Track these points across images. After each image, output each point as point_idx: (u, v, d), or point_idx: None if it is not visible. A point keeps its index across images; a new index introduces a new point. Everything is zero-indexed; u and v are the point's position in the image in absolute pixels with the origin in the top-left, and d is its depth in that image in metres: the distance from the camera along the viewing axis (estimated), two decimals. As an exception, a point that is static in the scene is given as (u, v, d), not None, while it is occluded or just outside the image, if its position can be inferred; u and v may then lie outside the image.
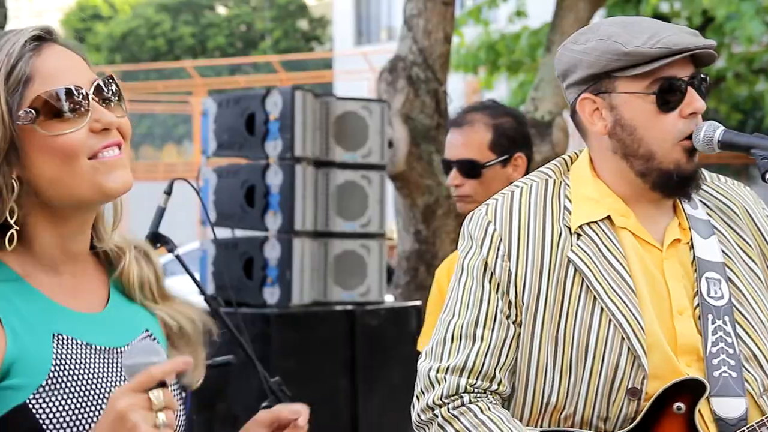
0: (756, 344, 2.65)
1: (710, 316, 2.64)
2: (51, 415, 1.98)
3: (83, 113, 2.06)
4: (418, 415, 2.65)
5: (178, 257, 6.02)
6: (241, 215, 6.35)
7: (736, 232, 2.76)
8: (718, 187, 2.82)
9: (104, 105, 2.09)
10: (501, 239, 2.65)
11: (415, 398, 2.67)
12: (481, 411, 2.56)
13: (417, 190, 7.72)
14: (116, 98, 2.13)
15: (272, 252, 6.21)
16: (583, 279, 2.60)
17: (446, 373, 2.61)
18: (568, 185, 2.72)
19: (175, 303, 2.28)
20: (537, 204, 2.69)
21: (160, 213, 4.40)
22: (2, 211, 2.03)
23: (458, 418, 2.57)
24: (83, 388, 2.03)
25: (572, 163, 2.80)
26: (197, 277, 4.99)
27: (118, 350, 2.12)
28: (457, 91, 11.86)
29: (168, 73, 34.28)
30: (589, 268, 2.60)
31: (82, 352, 2.07)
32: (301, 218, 6.24)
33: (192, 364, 1.96)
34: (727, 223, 2.77)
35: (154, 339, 2.19)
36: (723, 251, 2.72)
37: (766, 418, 2.58)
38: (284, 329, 6.10)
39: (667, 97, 2.63)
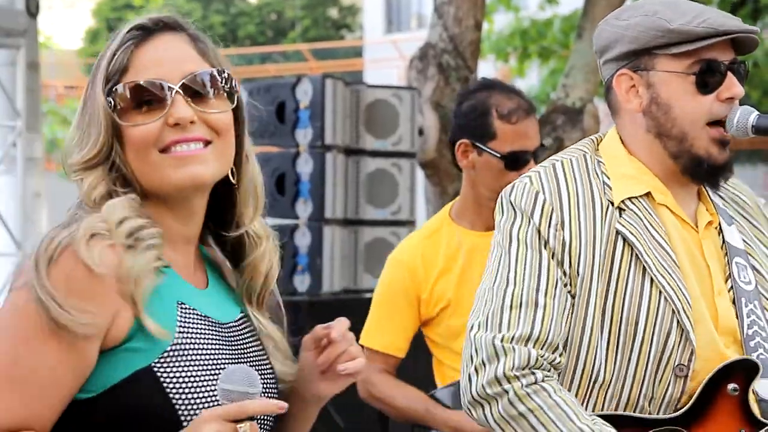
0: None
1: (743, 299, 2.64)
2: (174, 379, 2.03)
3: (162, 107, 2.11)
4: (483, 388, 2.49)
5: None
6: (272, 203, 6.29)
7: (751, 223, 2.79)
8: (732, 182, 2.82)
9: (195, 99, 2.13)
10: (552, 208, 2.59)
11: (472, 370, 2.52)
12: (555, 392, 2.47)
13: (447, 177, 7.70)
14: (215, 92, 2.18)
15: (303, 240, 6.22)
16: (632, 251, 2.57)
17: (514, 342, 2.49)
18: (602, 162, 2.70)
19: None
20: (582, 176, 2.65)
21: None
22: (116, 183, 2.12)
23: (531, 397, 2.46)
24: (203, 356, 2.08)
25: (599, 143, 2.78)
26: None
27: (224, 326, 2.18)
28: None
29: (199, 62, 34.19)
30: (638, 240, 2.57)
31: (201, 323, 2.13)
32: (332, 206, 6.25)
33: (286, 409, 2.00)
34: (741, 214, 2.79)
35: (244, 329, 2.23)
36: (743, 239, 2.72)
37: None
38: (315, 317, 6.09)
39: (707, 78, 2.62)
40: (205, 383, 2.04)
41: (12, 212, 7.92)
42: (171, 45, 2.17)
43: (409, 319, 3.99)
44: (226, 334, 2.18)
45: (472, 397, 2.52)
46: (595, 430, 2.45)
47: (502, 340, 2.50)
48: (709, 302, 2.62)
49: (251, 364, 2.13)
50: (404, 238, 6.64)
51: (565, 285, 2.56)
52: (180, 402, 2.02)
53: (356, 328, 6.85)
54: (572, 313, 2.55)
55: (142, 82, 2.10)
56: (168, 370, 2.03)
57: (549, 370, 2.50)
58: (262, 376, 2.17)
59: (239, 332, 2.23)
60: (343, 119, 6.35)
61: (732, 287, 2.65)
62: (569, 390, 2.57)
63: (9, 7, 6.79)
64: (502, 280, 2.58)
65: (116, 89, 2.10)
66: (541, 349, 2.50)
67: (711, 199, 2.74)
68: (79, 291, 1.96)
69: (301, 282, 6.20)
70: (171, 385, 2.02)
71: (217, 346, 2.12)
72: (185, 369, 2.04)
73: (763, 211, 2.84)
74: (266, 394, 2.17)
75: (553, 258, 2.56)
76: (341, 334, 2.24)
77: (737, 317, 2.62)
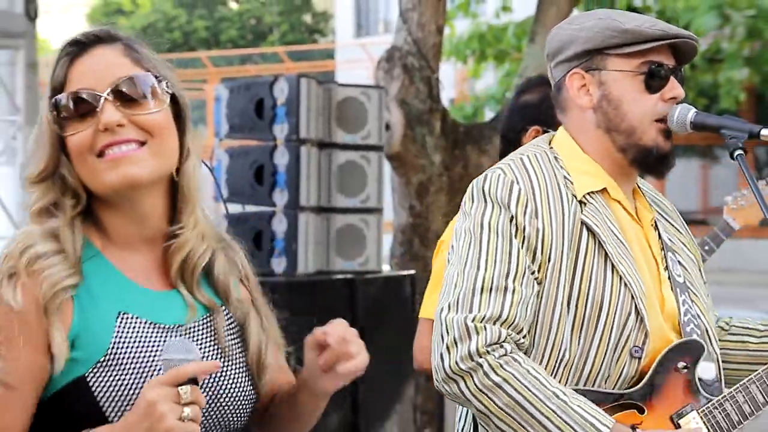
0: (706, 319, 2.69)
1: (678, 290, 2.66)
2: (106, 390, 1.98)
3: (93, 114, 2.07)
4: (457, 364, 2.44)
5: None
6: (251, 192, 6.33)
7: (671, 224, 2.80)
8: (648, 187, 2.85)
9: (127, 104, 2.09)
10: (527, 198, 2.55)
11: (444, 349, 2.47)
12: (525, 361, 2.44)
13: (411, 169, 7.70)
14: (150, 95, 2.12)
15: (279, 226, 6.20)
16: (596, 241, 2.55)
17: (485, 322, 2.44)
18: (560, 158, 2.67)
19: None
20: (547, 169, 2.63)
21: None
22: (63, 193, 2.09)
23: (504, 367, 2.41)
24: (140, 364, 2.02)
25: (551, 141, 2.76)
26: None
27: (174, 329, 2.11)
28: (447, 79, 11.84)
29: (184, 63, 34.20)
30: (600, 230, 2.56)
31: (144, 331, 2.06)
32: (306, 195, 6.23)
33: (219, 367, 1.98)
34: (662, 216, 2.80)
35: (194, 335, 2.16)
36: (668, 237, 2.75)
37: (748, 380, 2.61)
38: (290, 296, 6.09)
39: (654, 79, 2.63)
40: (140, 390, 1.96)
41: (12, 199, 7.90)
42: (103, 56, 2.13)
43: None
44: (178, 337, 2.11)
45: (446, 374, 2.47)
46: (566, 391, 2.44)
47: (473, 320, 2.46)
48: (657, 291, 2.63)
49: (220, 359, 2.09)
50: (371, 224, 6.68)
51: (533, 273, 2.52)
52: (111, 409, 1.99)
53: (328, 305, 6.85)
54: (540, 297, 2.52)
55: (73, 92, 2.08)
56: (100, 379, 1.99)
57: (518, 349, 2.48)
58: (231, 374, 2.14)
59: (192, 335, 2.14)
60: (316, 115, 6.33)
61: (669, 278, 2.67)
62: None
63: (9, 11, 6.75)
64: (473, 265, 2.53)
65: (57, 101, 2.08)
66: (509, 329, 2.46)
67: (645, 197, 2.77)
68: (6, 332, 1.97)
69: (278, 264, 6.18)
70: (102, 394, 1.98)
71: (160, 353, 2.03)
72: (118, 378, 2.00)
73: (677, 214, 2.87)
74: (234, 390, 2.14)
75: (523, 246, 2.52)
76: (338, 338, 2.15)
77: (677, 305, 2.64)
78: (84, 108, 2.07)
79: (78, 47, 2.13)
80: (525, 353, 2.50)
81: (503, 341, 2.44)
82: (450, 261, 2.63)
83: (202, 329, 2.17)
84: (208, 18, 42.47)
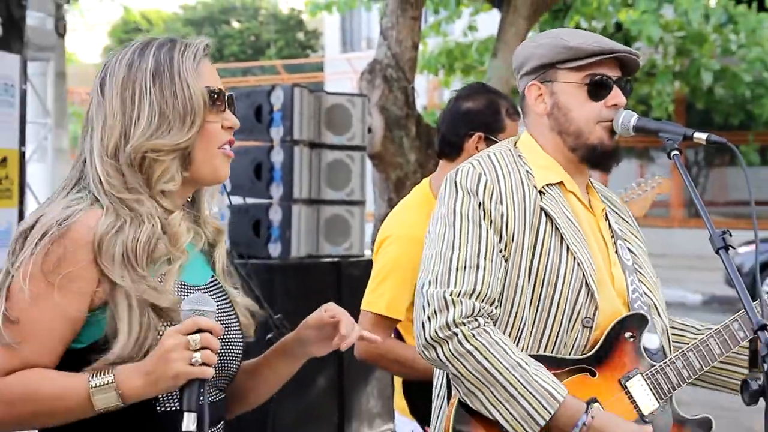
0: (654, 297, 2.69)
1: (626, 271, 2.66)
2: None
3: (221, 111, 2.10)
4: (436, 332, 2.45)
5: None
6: (251, 186, 6.31)
7: (621, 217, 2.81)
8: (602, 187, 2.87)
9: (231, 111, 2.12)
10: (493, 187, 2.55)
11: (425, 318, 2.48)
12: (494, 333, 2.44)
13: (390, 166, 7.71)
14: (234, 109, 2.17)
15: (275, 215, 6.18)
16: (553, 225, 2.56)
17: (461, 296, 2.45)
18: (523, 156, 2.69)
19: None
20: (510, 164, 2.64)
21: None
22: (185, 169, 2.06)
23: (476, 337, 2.42)
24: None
25: (516, 143, 2.77)
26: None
27: (197, 288, 2.10)
28: (421, 88, 11.84)
29: (193, 74, 34.01)
30: (557, 216, 2.57)
31: (176, 288, 2.03)
32: (299, 188, 6.21)
33: (223, 332, 1.94)
34: (612, 209, 2.80)
35: (214, 289, 2.16)
36: (619, 227, 2.75)
37: (686, 348, 2.61)
38: (285, 277, 6.08)
39: (597, 88, 2.63)
40: None
41: (43, 193, 7.85)
42: (212, 65, 2.17)
43: (412, 286, 3.80)
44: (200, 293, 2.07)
45: (426, 341, 2.48)
46: (528, 361, 2.44)
47: (451, 294, 2.46)
48: (607, 270, 2.63)
49: (220, 319, 2.04)
50: (356, 214, 6.66)
51: (500, 251, 2.52)
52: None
53: (318, 284, 6.83)
54: (506, 273, 2.52)
55: (217, 89, 2.09)
56: None
57: (488, 319, 2.48)
58: (230, 330, 2.13)
59: (210, 293, 2.13)
60: (308, 120, 6.31)
61: (619, 260, 2.67)
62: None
63: (41, 27, 6.70)
64: (448, 246, 2.53)
65: (211, 90, 2.09)
66: (482, 302, 2.47)
67: (597, 191, 2.77)
68: None
69: (274, 249, 6.17)
70: None
71: None
72: None
73: (627, 210, 2.88)
74: (231, 344, 2.13)
75: (491, 228, 2.52)
76: (349, 327, 2.21)
77: (626, 284, 2.64)
78: (218, 104, 2.09)
79: (207, 51, 2.14)
80: (495, 322, 2.51)
81: (477, 314, 2.45)
82: (426, 244, 2.62)
83: (214, 289, 2.17)
84: (214, 35, 42.29)
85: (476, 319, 2.45)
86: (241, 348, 2.18)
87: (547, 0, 8.66)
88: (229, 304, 2.19)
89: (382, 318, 3.39)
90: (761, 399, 2.12)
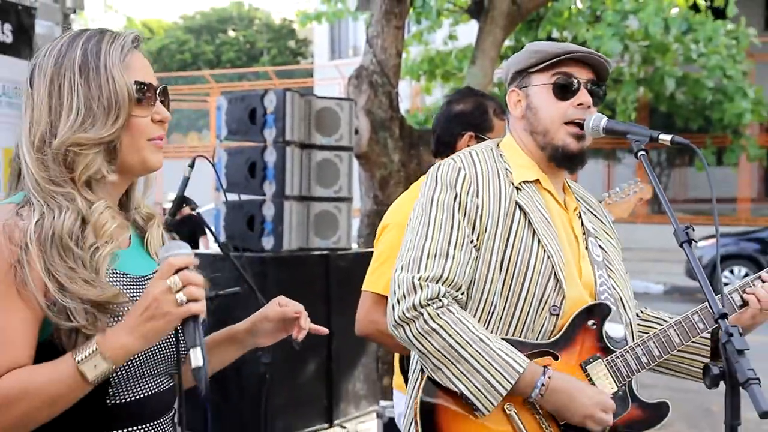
0: (622, 291, 2.68)
1: (595, 265, 2.65)
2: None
3: (151, 105, 1.96)
4: (404, 313, 2.47)
5: (198, 214, 5.95)
6: (245, 184, 6.28)
7: (596, 216, 2.81)
8: (579, 187, 2.88)
9: (163, 105, 2.00)
10: (471, 182, 2.57)
11: (395, 300, 2.50)
12: (457, 312, 2.45)
13: (375, 165, 7.70)
14: (168, 102, 2.03)
15: (268, 211, 6.16)
16: (526, 219, 2.56)
17: (428, 281, 2.46)
18: (504, 155, 2.70)
19: None
20: (490, 161, 2.65)
21: (185, 182, 4.36)
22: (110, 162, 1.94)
23: (440, 316, 2.43)
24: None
25: (500, 144, 2.78)
26: (213, 229, 4.96)
27: (141, 279, 1.99)
28: (404, 93, 11.82)
29: (192, 80, 34.02)
30: (531, 211, 2.57)
31: (120, 280, 1.93)
32: (290, 186, 6.19)
33: (195, 262, 1.85)
34: (588, 209, 2.81)
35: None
36: (592, 226, 2.75)
37: (647, 337, 2.60)
38: (277, 268, 6.05)
39: (562, 88, 2.64)
40: None
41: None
42: (144, 58, 2.02)
43: None
44: (142, 286, 1.97)
45: (395, 321, 2.49)
46: (490, 337, 2.45)
47: (419, 279, 2.47)
48: (576, 263, 2.62)
49: None
50: (343, 210, 6.65)
51: (472, 241, 2.52)
52: None
53: (308, 275, 6.80)
54: (477, 261, 2.52)
55: (145, 82, 1.95)
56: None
57: (452, 300, 2.48)
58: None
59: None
60: (299, 122, 6.29)
61: (588, 256, 2.66)
62: (473, 317, 2.54)
63: (49, 36, 6.66)
64: (422, 234, 2.54)
65: (139, 84, 1.94)
66: (448, 287, 2.47)
67: (572, 191, 2.78)
68: None
69: (267, 242, 6.14)
70: None
71: (133, 297, 1.91)
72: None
73: (603, 211, 2.87)
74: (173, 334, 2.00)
75: (465, 219, 2.53)
76: (307, 321, 2.21)
77: (593, 277, 2.63)
78: (148, 98, 1.96)
79: (137, 43, 2.00)
80: (464, 307, 2.51)
81: (441, 296, 2.45)
82: (407, 230, 2.63)
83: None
84: (212, 43, 42.25)
85: (440, 300, 2.45)
86: None
87: (522, 11, 8.65)
88: None
89: (382, 297, 3.44)
90: (721, 383, 2.11)
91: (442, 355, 2.44)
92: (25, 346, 1.81)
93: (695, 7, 15.79)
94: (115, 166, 1.95)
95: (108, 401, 1.88)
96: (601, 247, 2.72)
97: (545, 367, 2.45)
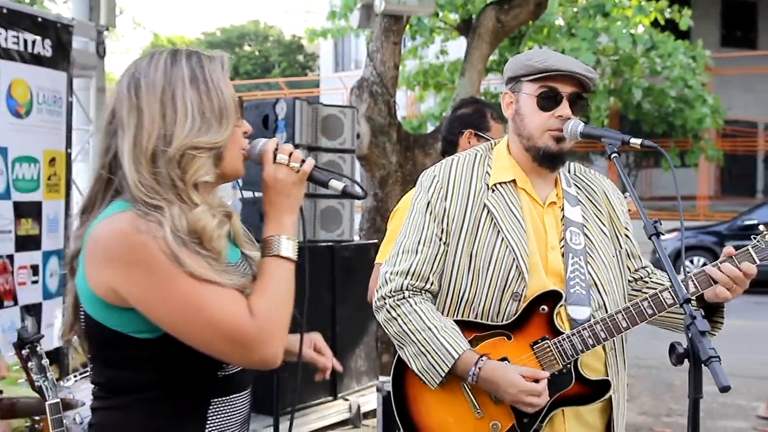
0: (598, 276, 2.62)
1: (570, 254, 2.61)
2: None
3: (241, 118, 2.02)
4: (376, 302, 2.66)
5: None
6: (260, 182, 6.25)
7: (595, 205, 2.75)
8: (589, 175, 2.82)
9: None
10: (441, 186, 2.65)
11: (376, 291, 2.68)
12: (415, 303, 2.59)
13: (375, 166, 7.70)
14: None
15: (280, 207, 6.15)
16: (492, 218, 2.58)
17: (395, 275, 2.62)
18: (491, 158, 2.72)
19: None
20: (466, 167, 2.70)
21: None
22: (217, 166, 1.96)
23: (399, 307, 2.59)
24: None
25: (496, 146, 2.79)
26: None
27: (234, 265, 2.01)
28: (401, 102, 11.82)
29: (212, 89, 33.90)
30: (497, 210, 2.60)
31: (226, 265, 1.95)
32: (299, 184, 6.18)
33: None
34: (589, 199, 2.75)
35: (244, 265, 2.09)
36: (583, 216, 2.70)
37: (594, 321, 2.56)
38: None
39: (546, 101, 2.62)
40: None
41: (85, 187, 7.78)
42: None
43: None
44: (236, 270, 1.98)
45: (374, 307, 2.68)
46: (437, 325, 2.54)
47: (390, 273, 2.64)
48: (542, 254, 2.59)
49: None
50: (346, 206, 6.63)
51: (440, 239, 2.61)
52: None
53: (315, 265, 6.77)
54: (446, 256, 2.60)
55: (239, 99, 2.01)
56: None
57: (417, 294, 2.60)
58: None
59: (242, 268, 2.04)
60: (306, 127, 6.28)
61: (564, 246, 2.62)
62: (444, 304, 2.61)
63: (85, 50, 6.66)
64: (402, 233, 2.70)
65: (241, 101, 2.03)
66: (413, 280, 2.60)
67: (562, 188, 2.71)
68: None
69: (279, 234, 6.13)
70: None
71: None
72: None
73: (611, 194, 2.79)
74: None
75: (434, 219, 2.62)
76: (327, 353, 2.39)
77: (564, 265, 2.59)
78: (241, 110, 2.02)
79: (227, 63, 2.02)
80: (436, 295, 2.62)
81: (404, 289, 2.60)
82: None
83: (244, 265, 2.09)
84: (231, 56, 42.21)
85: (402, 292, 2.60)
86: None
87: (506, 29, 8.63)
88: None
89: None
90: (686, 360, 2.10)
91: (400, 338, 2.60)
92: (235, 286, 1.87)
93: (658, 23, 15.82)
94: (219, 171, 1.96)
95: (219, 374, 1.95)
96: (585, 236, 2.65)
97: (481, 356, 2.51)
